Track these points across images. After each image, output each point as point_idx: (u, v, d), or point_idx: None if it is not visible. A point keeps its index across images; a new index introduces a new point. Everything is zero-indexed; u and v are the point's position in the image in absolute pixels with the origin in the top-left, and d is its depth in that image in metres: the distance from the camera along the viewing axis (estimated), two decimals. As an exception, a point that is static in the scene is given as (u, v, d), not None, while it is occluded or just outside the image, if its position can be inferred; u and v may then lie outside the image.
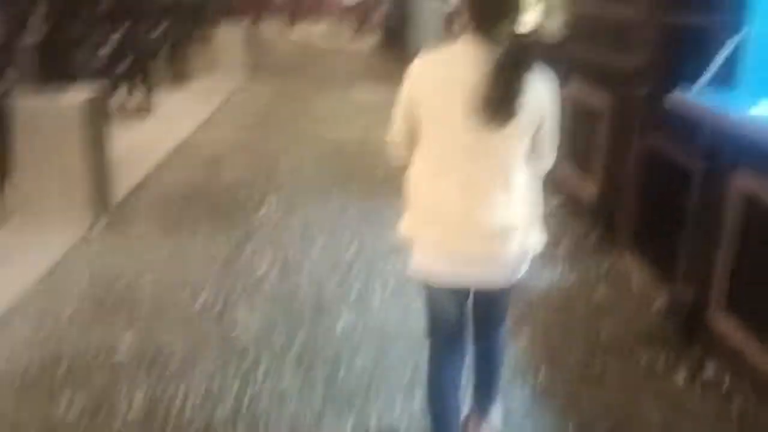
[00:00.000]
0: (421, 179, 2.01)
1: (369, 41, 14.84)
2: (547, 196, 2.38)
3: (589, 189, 4.59)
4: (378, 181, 5.64)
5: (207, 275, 3.80)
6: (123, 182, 4.97)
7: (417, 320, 2.89)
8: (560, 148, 2.10)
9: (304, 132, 7.32)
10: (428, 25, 12.71)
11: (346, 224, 4.61)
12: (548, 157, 2.10)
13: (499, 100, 1.82)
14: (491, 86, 1.82)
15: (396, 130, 2.07)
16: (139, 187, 5.19)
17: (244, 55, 10.59)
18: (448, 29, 12.06)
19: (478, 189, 1.94)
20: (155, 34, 9.18)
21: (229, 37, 10.43)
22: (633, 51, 3.92)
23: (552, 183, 5.33)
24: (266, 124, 7.59)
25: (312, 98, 9.29)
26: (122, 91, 7.31)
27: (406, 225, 2.08)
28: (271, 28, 15.74)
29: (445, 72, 1.92)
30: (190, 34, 9.84)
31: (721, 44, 2.78)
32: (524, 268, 2.09)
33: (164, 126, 7.21)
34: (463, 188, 1.93)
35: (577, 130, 4.97)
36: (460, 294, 2.11)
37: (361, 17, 15.28)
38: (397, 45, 13.00)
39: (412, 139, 2.02)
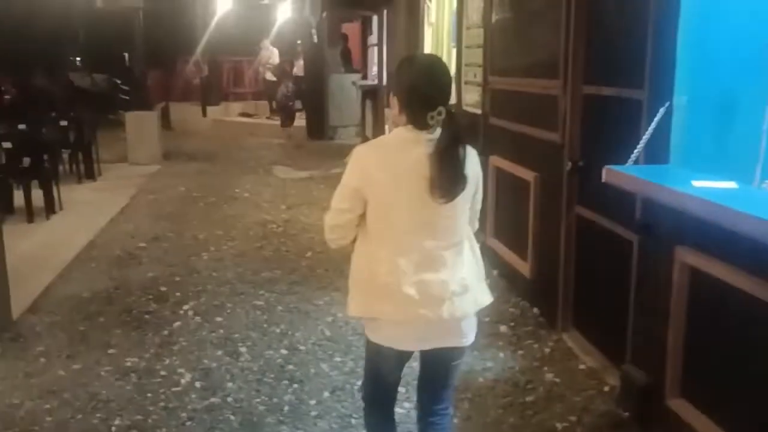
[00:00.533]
0: (377, 260, 2.11)
1: (288, 119, 14.77)
2: (486, 267, 2.48)
3: (523, 264, 4.47)
4: (306, 267, 5.37)
5: (121, 394, 3.40)
6: (22, 295, 4.49)
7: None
8: (492, 221, 2.14)
9: (225, 217, 7.00)
10: (345, 103, 12.83)
11: (274, 322, 4.29)
12: (477, 221, 2.32)
13: (451, 177, 2.02)
14: (440, 166, 2.01)
15: (341, 215, 2.16)
16: (42, 298, 4.72)
17: (159, 141, 10.23)
18: (366, 107, 12.23)
19: (437, 261, 2.10)
20: (61, 125, 8.76)
21: (141, 124, 10.06)
22: (557, 124, 3.88)
23: (489, 255, 5.34)
24: (185, 214, 7.22)
25: (233, 181, 9.00)
26: (24, 190, 6.79)
27: (359, 305, 2.19)
28: (186, 111, 15.47)
29: (393, 160, 2.08)
30: (96, 123, 9.36)
31: (651, 117, 2.72)
32: (475, 327, 2.24)
33: (72, 224, 6.74)
34: (421, 263, 2.08)
35: (506, 205, 4.90)
36: (405, 356, 2.25)
37: (277, 96, 15.21)
38: (316, 125, 12.99)
39: (357, 222, 2.15)
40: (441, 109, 2.04)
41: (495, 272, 5.06)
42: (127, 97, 16.38)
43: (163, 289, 4.90)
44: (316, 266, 5.42)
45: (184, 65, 16.53)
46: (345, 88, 12.95)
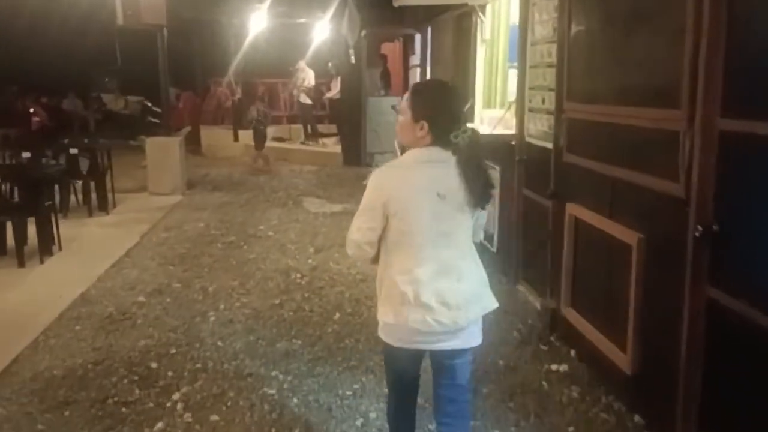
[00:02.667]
0: (397, 271, 2.32)
1: (324, 145, 13.88)
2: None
3: (619, 354, 3.36)
4: (332, 335, 4.33)
5: None
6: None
7: None
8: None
9: (244, 262, 6.04)
10: (383, 128, 11.90)
11: (285, 425, 3.26)
12: (481, 232, 2.55)
13: (481, 184, 2.33)
14: (468, 176, 2.30)
15: (371, 234, 2.34)
16: (4, 377, 3.78)
17: (182, 169, 9.39)
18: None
19: (452, 268, 2.34)
20: (71, 154, 7.97)
21: (163, 151, 9.23)
22: (677, 171, 2.80)
23: (564, 329, 4.26)
24: (198, 257, 6.28)
25: (258, 215, 8.07)
26: (15, 228, 5.94)
27: (383, 312, 2.38)
28: (218, 135, 14.71)
29: (410, 178, 2.33)
30: (111, 150, 8.54)
31: None
32: (481, 330, 2.45)
33: (66, 270, 5.85)
34: (438, 272, 2.31)
35: (591, 269, 3.81)
36: (418, 355, 2.49)
37: (311, 120, 14.34)
38: (352, 151, 12.06)
39: (379, 239, 2.37)
40: (466, 127, 2.32)
41: (573, 353, 3.97)
42: (157, 121, 15.87)
43: (153, 365, 3.92)
44: (345, 335, 4.38)
45: (217, 87, 15.82)
46: (383, 112, 12.00)
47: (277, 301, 5.02)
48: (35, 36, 15.65)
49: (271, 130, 15.38)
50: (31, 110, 15.72)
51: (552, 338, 4.21)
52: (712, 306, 2.73)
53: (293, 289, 5.30)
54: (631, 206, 3.26)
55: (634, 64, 3.23)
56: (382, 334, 2.42)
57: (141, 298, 5.10)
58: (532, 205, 4.86)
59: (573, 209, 3.94)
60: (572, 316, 3.98)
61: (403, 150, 2.59)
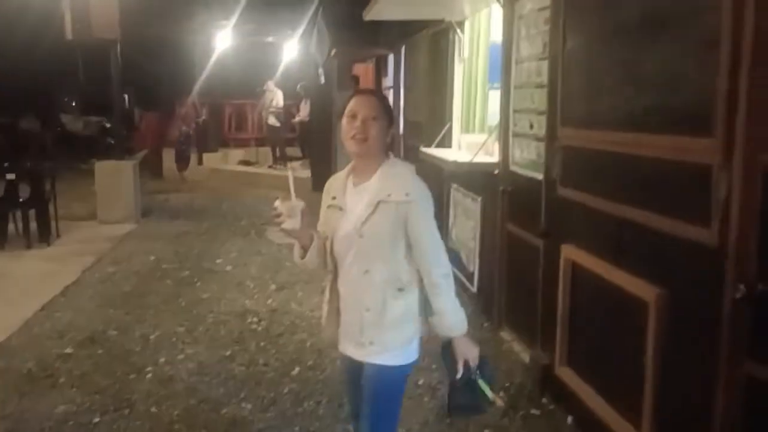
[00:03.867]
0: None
1: (293, 169, 13.24)
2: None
3: (632, 432, 2.78)
4: (289, 396, 3.69)
5: None
6: None
7: None
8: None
9: (195, 304, 5.36)
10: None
11: None
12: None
13: None
14: None
15: None
16: None
17: (135, 195, 8.68)
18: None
19: None
20: (8, 179, 7.25)
21: (114, 175, 8.53)
22: (708, 214, 2.25)
23: (556, 390, 3.68)
24: (144, 296, 5.60)
25: (217, 246, 7.40)
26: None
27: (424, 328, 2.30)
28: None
29: None
30: (55, 175, 7.82)
31: None
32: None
33: (-10, 312, 5.12)
34: None
35: (593, 325, 3.24)
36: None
37: (281, 142, 13.74)
38: (322, 177, 11.44)
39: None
40: None
41: (570, 419, 3.38)
42: (112, 142, 15.12)
43: (67, 442, 3.25)
44: (304, 396, 3.74)
45: (182, 108, 15.14)
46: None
47: (228, 353, 4.36)
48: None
49: (238, 154, 14.77)
50: (-16, 131, 14.86)
51: (544, 400, 3.62)
52: (753, 385, 2.17)
53: (248, 338, 4.65)
54: (647, 254, 2.70)
55: (650, 82, 2.69)
56: (414, 353, 2.25)
57: (68, 350, 4.40)
58: (519, 242, 4.30)
59: (570, 252, 3.37)
60: (569, 376, 3.40)
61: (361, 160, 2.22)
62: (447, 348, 2.23)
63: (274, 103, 13.47)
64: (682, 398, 2.50)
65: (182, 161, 12.52)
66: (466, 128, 6.11)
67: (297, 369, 4.11)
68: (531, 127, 4.08)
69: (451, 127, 6.32)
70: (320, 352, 4.36)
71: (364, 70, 12.86)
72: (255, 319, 5.00)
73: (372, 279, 2.15)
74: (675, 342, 2.51)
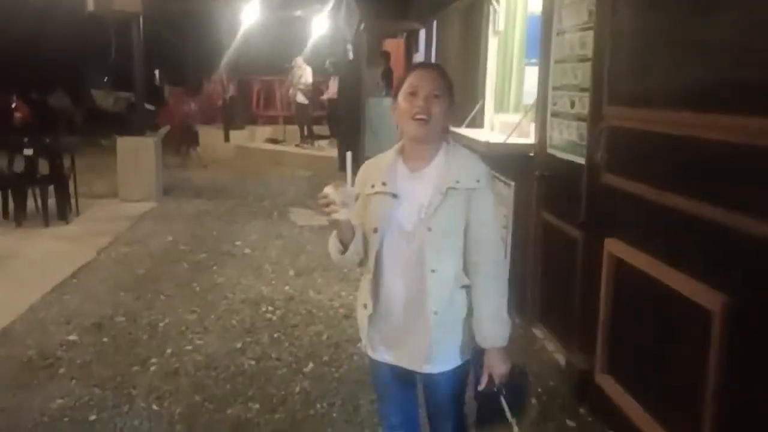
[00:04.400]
0: None
1: (320, 148, 12.95)
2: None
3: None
4: (299, 397, 3.38)
5: None
6: None
7: None
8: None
9: (208, 290, 5.09)
10: (384, 131, 10.97)
11: None
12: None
13: None
14: None
15: None
16: None
17: (156, 173, 8.46)
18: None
19: None
20: (26, 156, 7.07)
21: (135, 152, 8.31)
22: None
23: (599, 402, 3.28)
24: (158, 279, 5.35)
25: (237, 228, 7.14)
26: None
27: None
28: (208, 135, 13.77)
29: None
30: (72, 152, 7.61)
31: None
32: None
33: (-3, 294, 4.93)
34: None
35: (643, 331, 2.87)
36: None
37: (309, 120, 13.42)
38: (351, 151, 11.11)
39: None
40: None
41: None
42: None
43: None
44: (317, 396, 3.44)
45: (210, 84, 14.91)
46: (384, 114, 11.07)
47: (239, 345, 4.08)
48: (9, 29, 14.71)
49: (265, 131, 14.51)
50: (13, 105, 14.83)
51: (582, 410, 3.26)
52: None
53: (261, 328, 4.36)
54: (710, 254, 2.31)
55: (717, 53, 2.29)
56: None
57: (73, 337, 4.17)
58: (555, 232, 3.92)
59: (614, 247, 2.99)
60: (610, 385, 3.04)
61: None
62: (476, 350, 2.00)
63: (302, 80, 13.12)
64: (754, 425, 2.13)
65: (188, 140, 12.11)
66: (500, 107, 5.71)
67: (311, 365, 3.81)
68: (572, 105, 3.68)
69: (483, 106, 5.92)
70: (337, 347, 4.06)
71: (395, 46, 12.43)
72: (270, 308, 4.71)
73: (440, 277, 1.90)
74: (746, 358, 2.13)
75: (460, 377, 2.04)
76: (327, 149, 12.73)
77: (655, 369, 2.72)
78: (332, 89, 12.82)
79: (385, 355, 2.04)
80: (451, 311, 1.93)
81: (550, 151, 4.04)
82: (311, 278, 5.44)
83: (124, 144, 8.35)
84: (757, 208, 2.03)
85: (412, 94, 1.87)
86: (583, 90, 3.52)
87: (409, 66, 2.08)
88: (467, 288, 1.94)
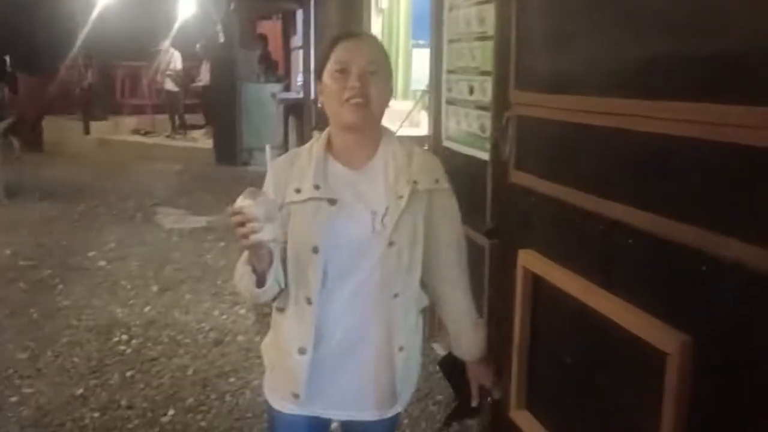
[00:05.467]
0: None
1: (194, 139, 11.96)
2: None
3: None
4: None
5: None
6: None
7: None
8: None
9: (49, 317, 4.23)
10: (263, 120, 10.26)
11: None
12: None
13: None
14: None
15: None
16: None
17: (-5, 173, 7.30)
18: (289, 125, 9.71)
19: None
20: None
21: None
22: (756, 224, 1.42)
23: None
24: (-15, 305, 4.42)
25: (92, 235, 6.21)
26: None
27: None
28: (66, 127, 12.38)
29: None
30: None
31: None
32: None
33: None
34: None
35: (568, 361, 2.42)
36: None
37: (180, 108, 12.37)
38: (226, 147, 10.31)
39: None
40: None
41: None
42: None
43: None
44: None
45: (66, 70, 13.42)
46: (263, 101, 10.33)
47: (80, 390, 3.31)
48: None
49: (131, 122, 13.29)
50: None
51: (495, 449, 2.80)
52: None
53: (110, 365, 3.60)
54: (661, 277, 1.86)
55: (661, 23, 1.83)
56: None
57: None
58: (455, 236, 3.43)
59: (529, 260, 2.51)
60: (528, 423, 2.58)
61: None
62: (449, 361, 1.88)
63: (171, 65, 12.08)
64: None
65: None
66: (387, 93, 5.20)
67: (171, 412, 3.12)
68: (471, 91, 3.19)
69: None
70: (204, 384, 3.38)
71: (271, 28, 11.67)
72: (124, 337, 3.95)
73: (404, 303, 1.57)
74: (711, 413, 1.69)
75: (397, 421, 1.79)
76: (201, 140, 11.77)
77: (583, 407, 2.28)
78: (205, 75, 11.86)
79: (316, 408, 1.62)
80: (414, 342, 1.69)
81: (446, 144, 3.54)
82: (178, 294, 4.69)
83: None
84: (716, 221, 1.58)
85: (342, 71, 1.49)
86: (483, 73, 3.04)
87: (333, 37, 1.59)
88: (424, 310, 1.72)
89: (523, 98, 2.59)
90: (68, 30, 12.56)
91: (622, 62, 2.01)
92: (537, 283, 2.49)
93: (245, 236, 1.32)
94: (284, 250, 1.54)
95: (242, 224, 1.32)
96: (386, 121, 4.36)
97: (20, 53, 14.87)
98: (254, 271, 1.45)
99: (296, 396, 1.59)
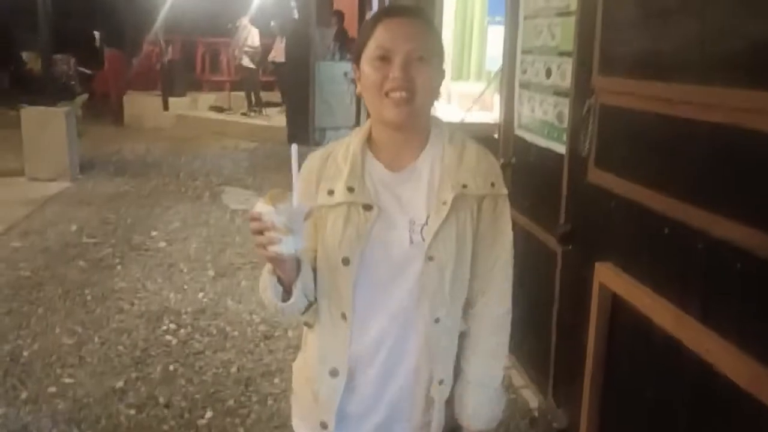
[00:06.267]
0: None
1: (268, 117, 11.89)
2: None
3: None
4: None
5: None
6: None
7: None
8: None
9: (102, 300, 4.14)
10: (337, 99, 10.08)
11: None
12: None
13: None
14: None
15: None
16: None
17: (69, 147, 7.36)
18: (363, 105, 9.45)
19: None
20: None
21: (43, 124, 7.20)
22: None
23: None
24: (42, 285, 4.38)
25: (157, 213, 6.16)
26: None
27: None
28: (146, 104, 12.56)
29: None
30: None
31: None
32: None
33: None
34: None
35: (655, 396, 2.04)
36: None
37: (256, 86, 12.32)
38: (299, 126, 10.15)
39: None
40: None
41: None
42: (74, 84, 13.67)
43: None
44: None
45: (148, 46, 13.61)
46: (337, 80, 10.11)
47: (121, 383, 3.17)
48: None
49: (209, 98, 13.38)
50: None
51: (559, 486, 2.46)
52: None
53: (155, 356, 3.45)
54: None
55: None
56: None
57: None
58: (526, 236, 3.07)
59: (608, 276, 2.14)
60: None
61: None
62: None
63: (248, 41, 12.01)
64: None
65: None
66: (458, 75, 4.81)
67: (209, 414, 2.93)
68: (548, 74, 2.80)
69: (439, 73, 5.02)
70: (247, 384, 3.18)
71: (349, 5, 11.38)
72: (173, 326, 3.80)
73: (446, 329, 1.35)
74: None
75: None
76: (276, 118, 11.69)
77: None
78: (278, 51, 11.73)
79: None
80: (452, 375, 1.40)
81: (518, 132, 3.16)
82: (233, 281, 4.53)
83: (30, 115, 7.22)
84: None
85: (383, 58, 1.27)
86: (562, 54, 2.65)
87: (375, 15, 1.32)
88: (461, 335, 1.40)
89: (608, 84, 2.21)
90: (150, 6, 12.69)
91: (734, 43, 1.61)
92: (616, 303, 2.12)
93: (263, 245, 1.15)
94: (315, 260, 1.35)
95: (261, 232, 1.15)
96: (456, 104, 3.96)
97: (106, 29, 15.28)
98: (280, 282, 1.26)
99: (324, 426, 1.38)
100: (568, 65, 2.56)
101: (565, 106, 2.60)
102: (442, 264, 1.29)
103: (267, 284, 1.28)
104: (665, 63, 1.93)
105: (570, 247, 2.48)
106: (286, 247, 1.15)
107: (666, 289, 1.86)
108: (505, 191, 1.36)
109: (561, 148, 2.61)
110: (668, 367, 1.88)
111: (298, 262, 1.25)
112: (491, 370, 1.40)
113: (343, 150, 1.36)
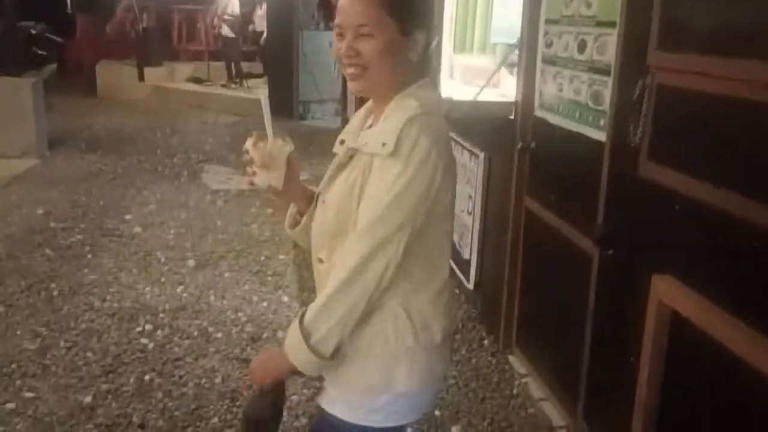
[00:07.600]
0: (421, 300, 1.37)
1: (249, 88, 11.39)
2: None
3: None
4: None
5: None
6: None
7: None
8: None
9: (69, 296, 3.74)
10: (322, 70, 9.63)
11: None
12: None
13: None
14: None
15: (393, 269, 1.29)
16: None
17: (36, 122, 6.86)
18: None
19: None
20: None
21: (7, 97, 6.68)
22: None
23: None
24: (4, 277, 3.97)
25: (131, 195, 5.73)
26: None
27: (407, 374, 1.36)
28: (121, 74, 11.96)
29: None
30: None
31: None
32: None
33: None
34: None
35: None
36: None
37: (237, 56, 11.77)
38: (282, 99, 9.67)
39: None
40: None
41: None
42: (43, 53, 13.00)
43: None
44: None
45: (122, 13, 12.94)
46: (323, 50, 9.62)
47: (89, 399, 2.78)
48: None
49: (187, 69, 12.79)
50: None
51: None
52: None
53: (128, 364, 3.06)
54: None
55: None
56: (385, 414, 1.38)
57: None
58: (546, 229, 2.72)
59: (668, 292, 1.79)
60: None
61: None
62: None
63: (228, 9, 11.44)
64: None
65: None
66: (462, 47, 4.41)
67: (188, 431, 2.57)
68: (581, 48, 2.42)
69: (439, 45, 4.61)
70: (233, 398, 2.82)
71: (333, -29, 10.83)
72: (149, 327, 3.41)
73: (326, 271, 1.37)
74: None
75: None
76: (258, 90, 11.18)
77: None
78: (258, 20, 11.19)
79: None
80: (359, 335, 1.37)
81: (539, 113, 2.79)
82: (215, 272, 4.15)
83: (-5, 86, 6.70)
84: None
85: (339, 35, 1.34)
86: (602, 24, 2.27)
87: None
88: (377, 310, 1.34)
89: (669, 61, 1.84)
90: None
91: None
92: (677, 324, 1.78)
93: (246, 175, 1.40)
94: None
95: (247, 165, 1.39)
96: (458, 80, 3.55)
97: (77, -6, 14.54)
98: (298, 212, 1.53)
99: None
100: (609, 37, 2.19)
101: (604, 85, 2.23)
102: (327, 207, 1.39)
103: (288, 211, 1.54)
104: (746, 36, 1.57)
105: (611, 252, 2.13)
106: (258, 179, 1.39)
107: (744, 311, 1.53)
108: (389, 151, 1.25)
109: (598, 134, 2.25)
110: (744, 403, 1.55)
111: (309, 196, 1.49)
112: (310, 312, 1.31)
113: (361, 112, 1.51)
